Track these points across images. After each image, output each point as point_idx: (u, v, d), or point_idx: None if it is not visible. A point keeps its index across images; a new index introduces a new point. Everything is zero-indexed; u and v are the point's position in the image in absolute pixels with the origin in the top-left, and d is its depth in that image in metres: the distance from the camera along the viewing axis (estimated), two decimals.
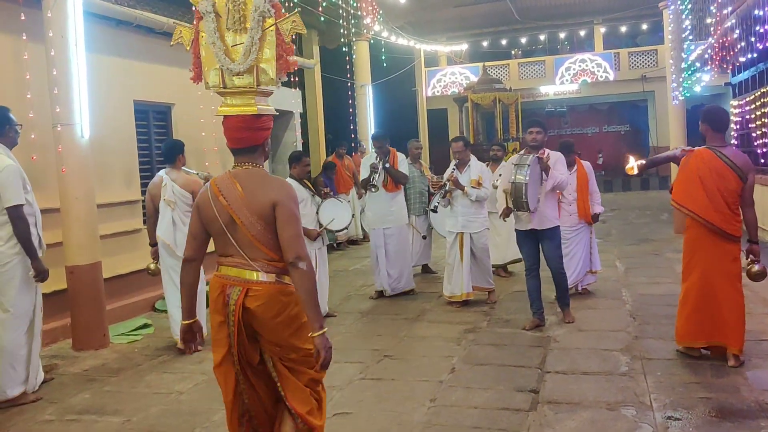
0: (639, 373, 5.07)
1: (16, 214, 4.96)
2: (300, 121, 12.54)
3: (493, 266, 8.23)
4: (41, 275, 5.14)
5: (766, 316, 6.51)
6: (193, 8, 3.22)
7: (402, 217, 8.22)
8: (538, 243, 6.49)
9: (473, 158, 7.63)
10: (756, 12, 7.90)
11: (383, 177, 7.96)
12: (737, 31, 9.09)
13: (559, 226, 6.60)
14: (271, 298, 3.02)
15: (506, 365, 5.46)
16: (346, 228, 7.75)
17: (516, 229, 6.63)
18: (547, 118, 28.94)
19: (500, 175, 7.60)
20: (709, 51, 9.63)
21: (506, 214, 6.50)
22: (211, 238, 3.20)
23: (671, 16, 11.73)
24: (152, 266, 6.52)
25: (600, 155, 27.04)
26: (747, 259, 5.17)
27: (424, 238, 8.32)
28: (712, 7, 8.72)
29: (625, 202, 20.04)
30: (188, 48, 3.22)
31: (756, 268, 5.10)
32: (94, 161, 6.71)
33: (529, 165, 6.09)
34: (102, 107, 7.32)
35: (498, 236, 8.74)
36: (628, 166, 5.63)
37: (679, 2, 11.15)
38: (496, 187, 7.40)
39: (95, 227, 6.60)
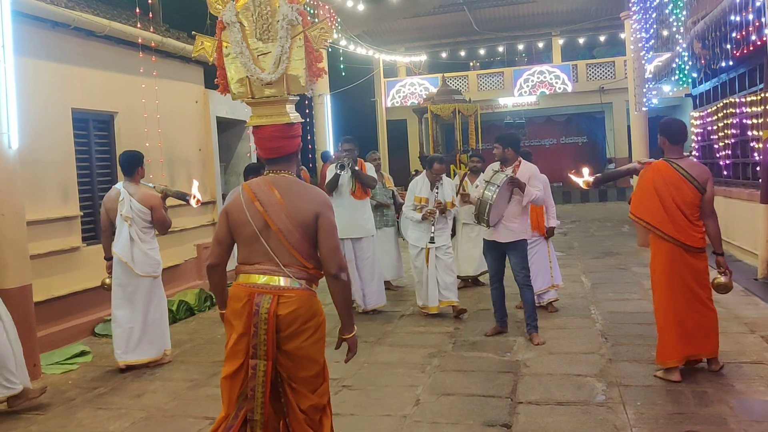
0: (617, 403, 4.70)
1: None
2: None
3: (465, 277, 8.73)
4: None
5: (742, 335, 6.24)
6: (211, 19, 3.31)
7: (371, 227, 7.88)
8: (502, 254, 6.46)
9: (445, 179, 7.58)
10: (725, 20, 7.71)
11: (352, 183, 7.62)
12: (701, 42, 8.91)
13: (525, 240, 6.45)
14: (303, 304, 3.01)
15: (475, 395, 5.04)
16: None
17: (483, 238, 6.61)
18: (505, 130, 28.92)
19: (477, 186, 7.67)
20: (677, 60, 9.44)
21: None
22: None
23: (634, 26, 11.60)
24: (107, 281, 6.23)
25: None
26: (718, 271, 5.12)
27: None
28: (681, 16, 8.53)
29: (585, 214, 19.97)
30: (211, 60, 3.17)
31: (721, 279, 5.05)
32: (24, 174, 6.13)
33: (498, 186, 6.04)
34: (35, 116, 6.73)
35: (474, 248, 8.57)
36: (583, 180, 5.50)
37: (641, 13, 10.99)
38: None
39: (25, 246, 5.98)
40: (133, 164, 6.08)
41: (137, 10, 7.67)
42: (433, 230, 7.30)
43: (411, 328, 7.17)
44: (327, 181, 7.72)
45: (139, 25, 7.73)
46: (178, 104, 9.38)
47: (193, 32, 3.40)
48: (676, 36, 8.75)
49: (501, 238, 6.33)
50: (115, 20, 7.88)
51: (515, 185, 6.18)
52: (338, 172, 7.51)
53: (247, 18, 3.08)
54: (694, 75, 9.85)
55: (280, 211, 3.01)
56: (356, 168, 7.60)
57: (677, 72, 9.52)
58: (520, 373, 5.46)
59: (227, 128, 11.07)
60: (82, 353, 6.70)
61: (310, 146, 14.00)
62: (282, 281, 3.01)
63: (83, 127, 7.73)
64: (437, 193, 7.33)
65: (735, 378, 5.04)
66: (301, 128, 3.26)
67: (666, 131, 5.19)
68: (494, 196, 5.99)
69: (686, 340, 5.01)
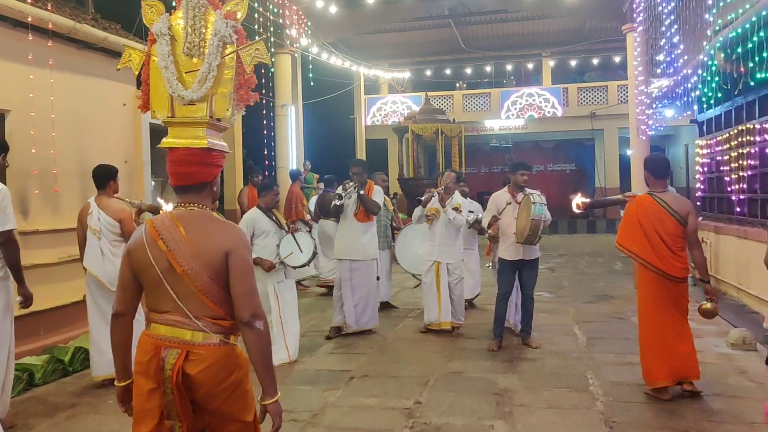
0: None
1: (8, 238, 4.86)
2: None
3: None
4: (28, 301, 5.05)
5: None
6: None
7: (372, 251, 7.88)
8: (517, 271, 7.05)
9: (457, 193, 7.88)
10: (755, 29, 6.29)
11: (356, 206, 7.71)
12: (724, 54, 7.49)
13: (539, 258, 7.16)
14: (216, 362, 2.64)
15: None
16: (307, 264, 7.11)
17: (501, 258, 7.11)
18: (490, 154, 27.58)
19: (470, 211, 8.15)
20: (701, 72, 7.99)
21: (489, 226, 7.14)
22: None
23: (637, 40, 10.18)
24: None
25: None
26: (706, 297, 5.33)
27: (378, 279, 8.24)
28: (708, 19, 7.11)
29: (573, 247, 18.53)
30: (136, 73, 2.96)
31: (707, 305, 5.27)
32: None
33: (544, 204, 6.70)
34: None
35: (467, 273, 8.64)
36: (576, 201, 6.01)
37: (647, 23, 9.58)
38: (469, 222, 7.98)
39: None
40: (106, 178, 6.07)
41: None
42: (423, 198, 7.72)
43: (359, 398, 5.54)
44: (332, 206, 7.76)
45: (30, 1, 6.17)
46: (98, 105, 7.80)
47: (126, 37, 2.84)
48: (702, 43, 7.29)
49: (528, 256, 6.96)
50: None
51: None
52: (336, 203, 7.64)
53: (179, 32, 2.85)
54: (721, 92, 8.38)
55: (185, 251, 2.66)
56: (361, 192, 7.64)
57: (700, 87, 8.06)
58: None
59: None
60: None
61: (267, 162, 12.39)
62: (192, 335, 2.64)
63: None
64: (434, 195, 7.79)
65: None
66: (224, 158, 2.93)
67: (650, 166, 5.55)
68: (545, 213, 6.63)
69: (671, 362, 5.27)
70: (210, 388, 2.63)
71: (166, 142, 2.82)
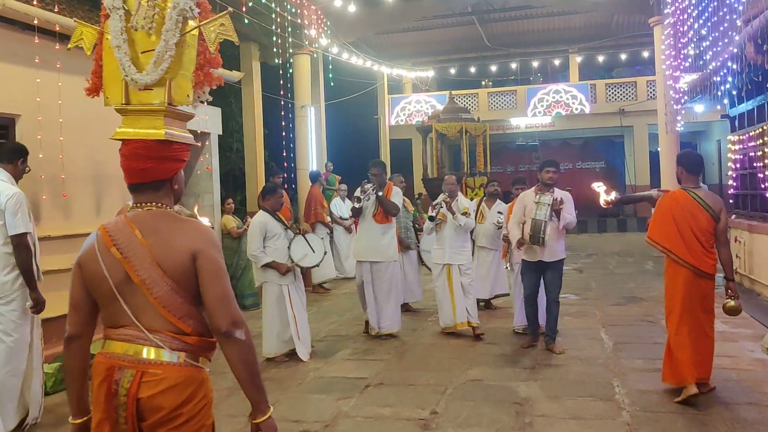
0: None
1: (21, 242, 4.87)
2: (216, 144, 10.27)
3: (478, 300, 8.48)
4: (39, 306, 5.01)
5: None
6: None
7: (392, 253, 7.81)
8: (540, 273, 6.91)
9: (460, 194, 7.96)
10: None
11: (375, 207, 7.67)
12: (754, 45, 7.14)
13: (564, 259, 6.97)
14: (176, 384, 2.23)
15: None
16: (317, 265, 7.30)
17: (523, 259, 7.01)
18: (516, 153, 27.20)
19: (498, 212, 8.46)
20: (730, 63, 7.64)
21: (520, 244, 6.80)
22: None
23: (665, 32, 9.82)
24: None
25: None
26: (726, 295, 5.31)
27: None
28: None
29: (602, 246, 18.10)
30: (89, 53, 2.57)
31: (732, 303, 5.29)
32: None
33: (549, 204, 6.58)
34: None
35: (489, 273, 8.95)
36: (604, 198, 5.82)
37: (676, 15, 9.23)
38: (497, 224, 8.36)
39: None
40: None
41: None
42: (433, 213, 7.57)
43: (373, 408, 5.35)
44: (351, 209, 7.82)
45: (36, 3, 6.07)
46: (110, 108, 7.72)
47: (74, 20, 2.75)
48: (730, 33, 6.96)
49: (546, 258, 6.78)
50: None
51: (554, 208, 6.62)
52: (355, 205, 7.62)
53: (135, 5, 2.44)
54: (752, 85, 8.02)
55: (143, 257, 2.30)
56: (380, 194, 7.60)
57: (730, 81, 7.71)
58: None
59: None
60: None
61: (286, 164, 12.26)
62: (150, 352, 2.26)
63: None
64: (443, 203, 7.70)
65: None
66: (187, 151, 2.51)
67: (683, 162, 5.49)
68: (546, 215, 6.52)
69: (697, 361, 5.23)
70: (165, 414, 2.24)
71: (118, 132, 2.44)
